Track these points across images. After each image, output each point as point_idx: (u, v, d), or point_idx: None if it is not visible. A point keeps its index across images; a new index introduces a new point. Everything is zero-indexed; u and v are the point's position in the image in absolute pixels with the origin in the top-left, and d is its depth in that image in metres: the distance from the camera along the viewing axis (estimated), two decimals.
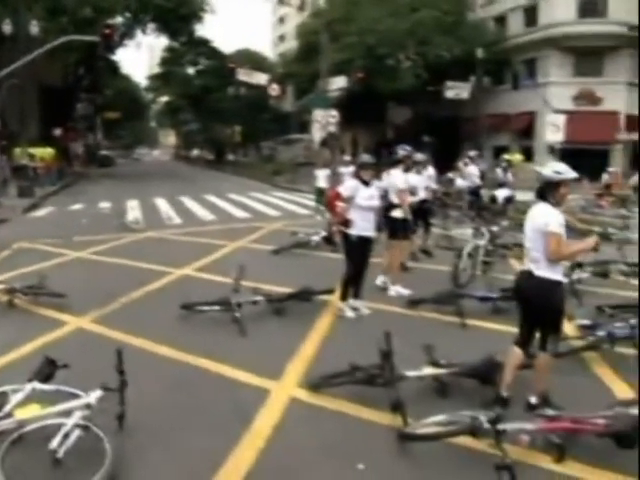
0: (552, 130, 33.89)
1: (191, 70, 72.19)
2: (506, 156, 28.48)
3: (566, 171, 5.48)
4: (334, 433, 5.33)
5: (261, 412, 5.65)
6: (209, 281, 10.90)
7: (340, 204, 8.57)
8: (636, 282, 10.26)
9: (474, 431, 4.63)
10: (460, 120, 44.90)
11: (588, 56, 42.07)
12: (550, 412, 4.93)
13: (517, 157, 35.28)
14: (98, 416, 4.84)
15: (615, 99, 41.41)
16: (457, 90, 39.54)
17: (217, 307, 8.49)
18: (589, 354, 7.03)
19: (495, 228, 11.82)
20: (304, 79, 44.25)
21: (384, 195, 10.08)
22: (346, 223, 8.52)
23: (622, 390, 6.16)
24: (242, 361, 6.88)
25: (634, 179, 28.47)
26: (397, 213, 10.24)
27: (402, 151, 10.62)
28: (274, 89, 40.59)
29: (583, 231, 7.74)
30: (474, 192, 19.95)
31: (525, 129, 43.01)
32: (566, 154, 38.77)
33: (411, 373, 5.81)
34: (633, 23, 38.77)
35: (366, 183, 8.66)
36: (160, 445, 5.12)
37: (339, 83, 34.64)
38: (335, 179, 19.13)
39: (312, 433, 5.34)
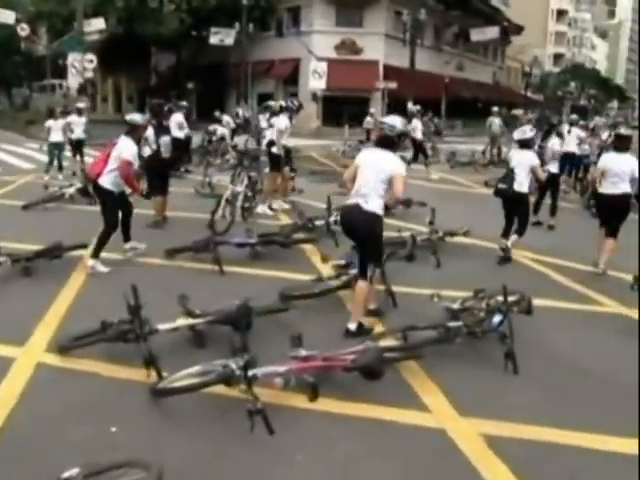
0: (315, 77, 34.86)
1: None
2: (271, 103, 28.90)
3: (405, 124, 6.42)
4: (85, 396, 4.95)
5: (2, 383, 5.13)
6: None
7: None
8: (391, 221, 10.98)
9: (227, 379, 4.53)
10: (226, 67, 44.53)
11: (349, 7, 43.55)
12: (302, 352, 4.98)
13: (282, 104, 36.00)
14: None
15: (374, 49, 43.39)
16: (221, 36, 39.00)
17: None
18: (345, 292, 7.21)
19: (254, 174, 11.89)
20: (59, 19, 41.05)
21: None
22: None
23: (374, 325, 6.43)
24: None
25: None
26: (275, 149, 12.48)
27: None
28: (23, 29, 37.05)
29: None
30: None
31: (290, 76, 43.68)
32: (328, 100, 40.35)
33: (164, 326, 5.57)
34: None
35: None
36: None
37: (97, 25, 32.59)
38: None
39: (61, 398, 4.91)
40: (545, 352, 6.10)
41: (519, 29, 64.05)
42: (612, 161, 8.93)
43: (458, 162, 22.86)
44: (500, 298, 5.85)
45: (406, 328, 5.79)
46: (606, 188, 8.90)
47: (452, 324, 5.78)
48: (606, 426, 4.74)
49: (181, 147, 9.94)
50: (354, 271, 6.90)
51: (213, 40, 39.14)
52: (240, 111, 25.69)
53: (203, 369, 4.78)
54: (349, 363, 4.90)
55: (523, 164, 9.20)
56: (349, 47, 43.36)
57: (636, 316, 7.00)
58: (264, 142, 13.07)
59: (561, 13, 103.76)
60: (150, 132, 10.11)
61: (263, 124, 23.11)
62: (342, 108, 38.08)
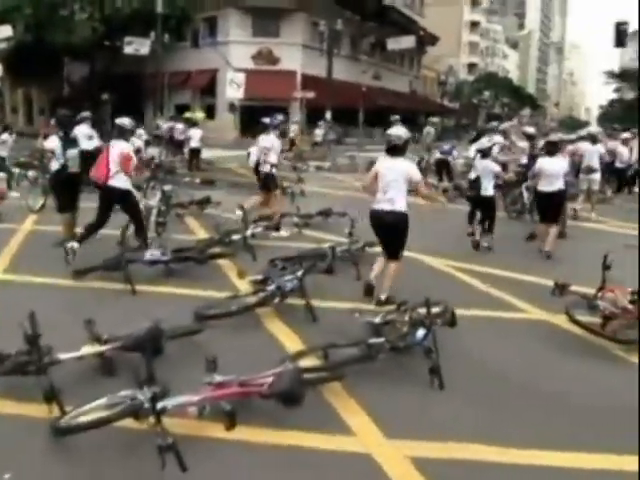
0: (232, 88, 34.54)
1: None
2: (187, 114, 28.45)
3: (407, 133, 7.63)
4: None
5: None
6: None
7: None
8: (310, 233, 10.84)
9: (135, 413, 4.19)
10: (142, 77, 43.60)
11: (266, 17, 43.51)
12: (217, 378, 4.65)
13: (199, 115, 35.34)
14: None
15: (292, 59, 43.44)
16: (136, 45, 38.15)
17: None
18: (263, 310, 6.95)
19: (168, 187, 11.48)
20: None
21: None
22: None
23: (294, 343, 6.18)
24: None
25: (317, 132, 30.12)
26: (267, 168, 11.69)
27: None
28: None
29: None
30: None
31: (207, 87, 43.29)
32: (247, 111, 40.00)
33: (67, 355, 5.13)
34: None
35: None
36: None
37: (4, 32, 31.39)
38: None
39: None
40: (471, 364, 5.98)
41: (434, 39, 65.44)
42: (546, 164, 10.44)
43: None
44: (423, 310, 5.69)
45: (327, 346, 5.56)
46: (544, 186, 10.49)
47: (374, 340, 5.56)
48: (533, 439, 4.63)
49: (90, 160, 9.38)
50: (272, 287, 6.76)
51: (127, 50, 38.25)
52: (160, 123, 25.29)
53: (109, 402, 4.40)
54: (266, 389, 4.61)
55: (486, 171, 10.74)
56: (266, 57, 43.27)
57: (557, 321, 7.09)
58: (250, 161, 12.58)
59: (474, 24, 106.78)
60: (57, 145, 9.56)
61: (180, 136, 22.90)
62: (260, 117, 37.67)
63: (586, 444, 4.58)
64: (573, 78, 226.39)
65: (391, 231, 7.54)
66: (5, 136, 16.49)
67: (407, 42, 46.25)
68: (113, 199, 9.14)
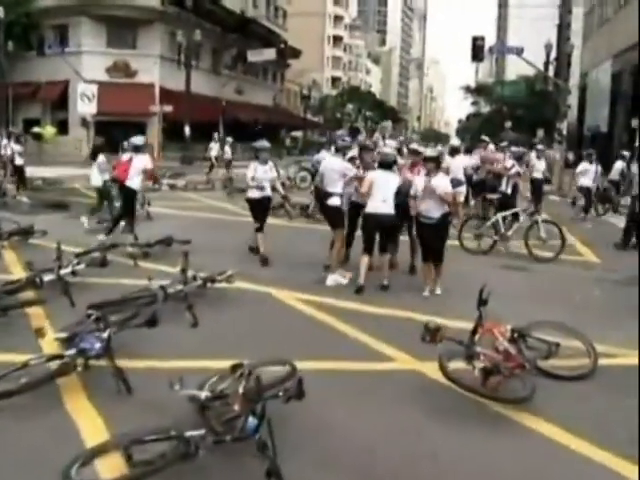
0: (84, 101, 32.84)
1: None
2: (36, 129, 26.68)
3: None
4: None
5: None
6: None
7: None
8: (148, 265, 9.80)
9: None
10: None
11: (121, 27, 41.80)
12: None
13: (49, 130, 33.39)
14: None
15: (149, 72, 41.92)
16: None
17: None
18: (66, 380, 5.50)
19: None
20: None
21: None
22: None
23: (95, 431, 4.82)
24: None
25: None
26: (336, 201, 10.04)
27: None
28: None
29: None
30: None
31: (58, 100, 40.86)
32: (101, 126, 38.08)
33: None
34: None
35: None
36: None
37: None
38: None
39: None
40: (320, 444, 4.80)
41: (297, 53, 65.62)
42: (428, 181, 9.01)
43: (235, 188, 22.09)
44: (269, 370, 4.78)
45: (130, 442, 4.01)
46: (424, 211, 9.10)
47: (191, 433, 4.10)
48: None
49: None
50: (72, 351, 5.41)
51: None
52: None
53: None
54: None
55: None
56: (122, 69, 41.51)
57: (426, 370, 6.09)
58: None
59: (337, 39, 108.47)
60: None
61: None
62: (117, 134, 35.95)
63: None
64: (433, 94, 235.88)
65: (386, 230, 9.37)
66: None
67: (268, 54, 45.92)
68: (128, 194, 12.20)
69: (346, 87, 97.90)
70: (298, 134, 34.01)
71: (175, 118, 37.49)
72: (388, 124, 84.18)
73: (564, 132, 33.80)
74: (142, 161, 12.13)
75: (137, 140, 12.41)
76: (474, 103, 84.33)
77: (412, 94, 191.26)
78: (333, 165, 10.14)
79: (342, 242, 10.11)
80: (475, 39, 31.12)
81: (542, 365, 5.97)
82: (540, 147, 20.50)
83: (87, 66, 39.33)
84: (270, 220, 11.81)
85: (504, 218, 12.68)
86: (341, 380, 6.04)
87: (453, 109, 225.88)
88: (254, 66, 54.34)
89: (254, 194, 10.94)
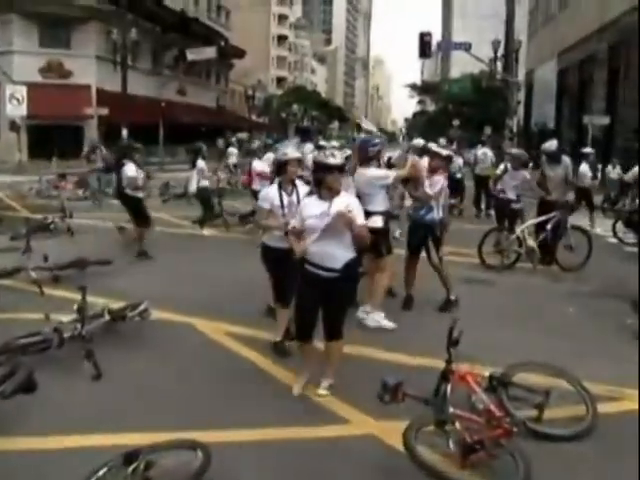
0: (13, 104, 31.06)
1: None
2: None
3: (292, 152, 6.61)
4: None
5: None
6: None
7: None
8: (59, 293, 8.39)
9: None
10: None
11: (55, 26, 39.98)
12: None
13: None
14: None
15: (85, 73, 40.20)
16: None
17: None
18: None
19: None
20: None
21: None
22: None
23: None
24: None
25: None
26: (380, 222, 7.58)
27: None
28: None
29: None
30: None
31: None
32: (35, 130, 36.28)
33: None
34: None
35: None
36: None
37: None
38: None
39: None
40: None
41: (241, 52, 64.33)
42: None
43: (172, 194, 20.78)
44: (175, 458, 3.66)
45: None
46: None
47: None
48: None
49: None
50: None
51: None
52: None
53: None
54: None
55: None
56: (56, 70, 39.59)
57: (385, 437, 4.75)
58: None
59: (281, 38, 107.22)
60: None
61: None
62: (52, 138, 34.21)
63: None
64: (379, 92, 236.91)
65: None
66: None
67: (209, 53, 44.32)
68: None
69: (291, 87, 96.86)
70: (244, 136, 32.70)
71: (112, 120, 35.81)
72: (335, 125, 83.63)
73: (514, 129, 33.34)
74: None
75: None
76: (420, 102, 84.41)
77: (358, 93, 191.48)
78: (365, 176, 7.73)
79: (391, 271, 8.09)
80: (423, 35, 30.57)
81: (532, 425, 4.68)
82: (588, 150, 17.27)
83: (19, 67, 37.44)
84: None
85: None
86: (272, 455, 4.59)
87: (399, 108, 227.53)
88: (197, 66, 52.75)
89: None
